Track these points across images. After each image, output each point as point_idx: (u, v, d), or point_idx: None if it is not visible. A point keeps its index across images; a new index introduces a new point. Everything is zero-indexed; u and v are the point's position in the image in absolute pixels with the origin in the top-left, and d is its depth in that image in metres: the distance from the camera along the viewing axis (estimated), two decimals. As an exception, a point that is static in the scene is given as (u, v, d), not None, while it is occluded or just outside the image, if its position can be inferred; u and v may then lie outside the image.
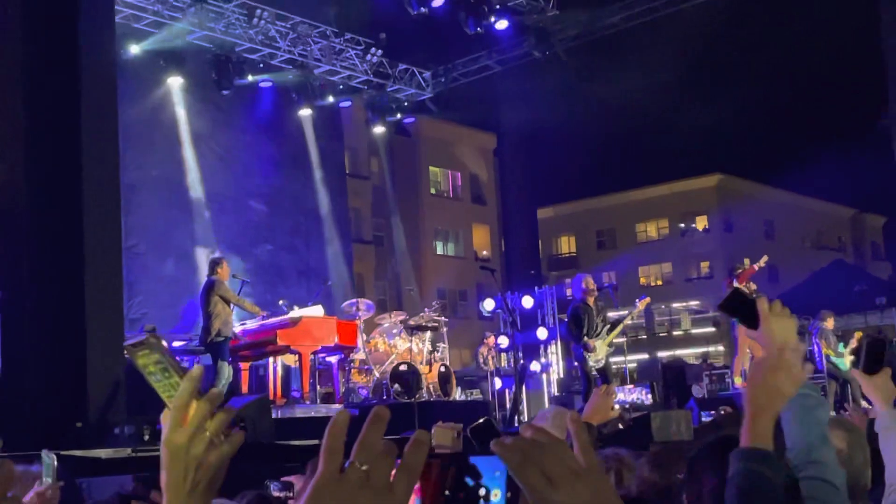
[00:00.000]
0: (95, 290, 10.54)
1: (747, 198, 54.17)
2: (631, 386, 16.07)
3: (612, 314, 15.54)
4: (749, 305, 2.49)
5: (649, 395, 15.04)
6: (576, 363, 14.41)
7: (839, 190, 57.80)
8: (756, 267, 16.05)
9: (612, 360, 15.19)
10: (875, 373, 3.39)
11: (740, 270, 16.86)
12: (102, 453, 8.19)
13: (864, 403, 13.96)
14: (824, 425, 2.53)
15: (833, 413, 11.35)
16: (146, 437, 8.82)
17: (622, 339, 20.41)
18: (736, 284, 15.87)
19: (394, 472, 1.25)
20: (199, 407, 1.51)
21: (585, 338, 14.14)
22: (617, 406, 4.51)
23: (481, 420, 2.77)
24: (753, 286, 16.20)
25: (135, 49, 18.98)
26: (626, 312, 15.68)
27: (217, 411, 1.54)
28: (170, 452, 1.52)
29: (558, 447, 1.32)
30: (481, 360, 20.06)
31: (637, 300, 15.78)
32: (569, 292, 18.85)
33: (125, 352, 1.54)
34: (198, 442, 1.51)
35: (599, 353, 14.18)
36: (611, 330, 14.46)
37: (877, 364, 3.39)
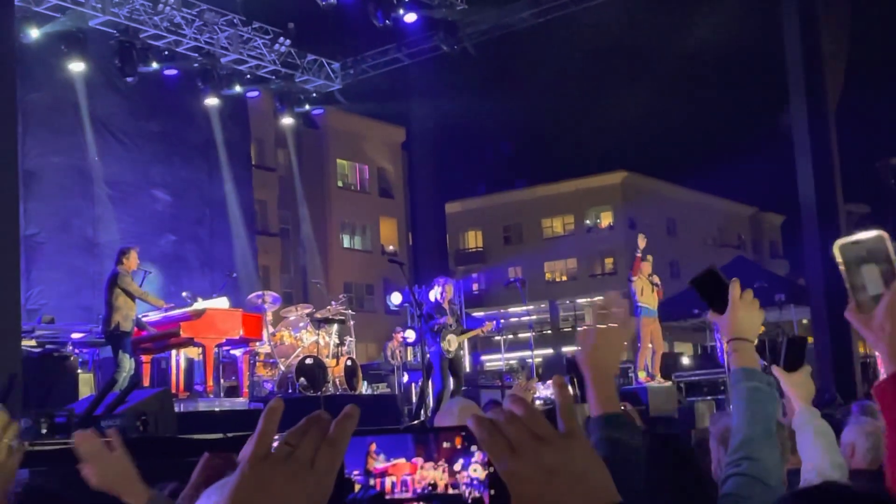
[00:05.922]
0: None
1: (651, 195, 55.01)
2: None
3: (510, 310, 15.69)
4: (721, 289, 2.47)
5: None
6: (429, 356, 14.55)
7: (740, 189, 59.17)
8: (638, 253, 16.12)
9: (521, 354, 15.37)
10: (795, 370, 3.45)
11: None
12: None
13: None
14: (772, 420, 2.50)
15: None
16: (44, 431, 8.59)
17: (528, 335, 20.63)
18: (633, 278, 16.09)
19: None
20: None
21: (440, 332, 14.33)
22: (538, 402, 4.52)
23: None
24: (657, 278, 16.40)
25: (35, 33, 18.42)
26: (521, 310, 16.10)
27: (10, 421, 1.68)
28: None
29: (528, 415, 1.27)
30: (389, 354, 20.02)
31: (484, 322, 16.23)
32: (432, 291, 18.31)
33: None
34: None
35: (452, 345, 14.40)
36: (463, 332, 14.95)
37: (797, 362, 3.45)
